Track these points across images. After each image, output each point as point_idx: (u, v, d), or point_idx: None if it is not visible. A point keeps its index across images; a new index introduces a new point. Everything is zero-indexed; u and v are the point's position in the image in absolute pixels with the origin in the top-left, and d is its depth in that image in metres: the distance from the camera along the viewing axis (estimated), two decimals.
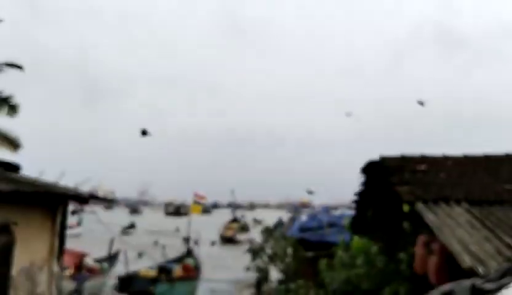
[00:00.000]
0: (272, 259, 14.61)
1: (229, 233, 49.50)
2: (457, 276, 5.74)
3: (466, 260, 4.97)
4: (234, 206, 74.23)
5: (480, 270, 4.81)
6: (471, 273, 4.86)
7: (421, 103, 17.38)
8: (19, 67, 13.70)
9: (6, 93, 13.44)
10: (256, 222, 17.00)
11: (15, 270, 7.20)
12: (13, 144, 13.25)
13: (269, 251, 14.87)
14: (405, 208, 6.78)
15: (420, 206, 6.65)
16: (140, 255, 25.68)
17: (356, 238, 9.60)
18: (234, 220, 56.51)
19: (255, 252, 14.84)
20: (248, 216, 66.14)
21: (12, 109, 13.34)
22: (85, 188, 12.36)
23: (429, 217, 6.23)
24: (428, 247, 6.23)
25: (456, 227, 5.92)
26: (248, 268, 14.70)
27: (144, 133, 17.40)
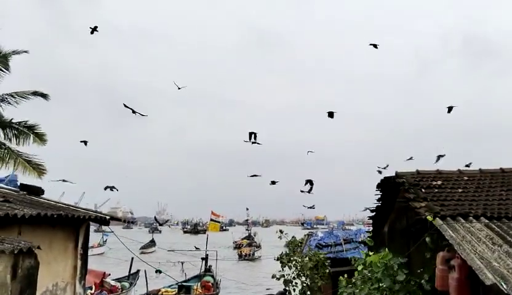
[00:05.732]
0: (299, 272, 14.49)
1: (246, 251, 49.88)
2: (479, 293, 5.69)
3: (489, 277, 4.87)
4: (247, 223, 75.67)
5: (504, 286, 4.74)
6: (493, 289, 4.81)
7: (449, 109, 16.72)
8: (44, 95, 14.09)
9: (31, 121, 13.77)
10: (281, 233, 16.81)
11: (38, 293, 7.33)
12: (38, 170, 13.57)
13: (295, 264, 14.75)
14: (430, 218, 6.70)
15: (438, 222, 6.61)
16: (160, 273, 25.83)
17: (372, 253, 9.51)
18: (248, 237, 56.59)
19: (285, 261, 14.74)
20: (262, 232, 66.16)
21: (39, 137, 13.63)
22: (104, 209, 12.62)
23: (449, 233, 6.19)
24: (448, 264, 6.17)
25: (477, 243, 5.87)
26: (274, 277, 14.53)
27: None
